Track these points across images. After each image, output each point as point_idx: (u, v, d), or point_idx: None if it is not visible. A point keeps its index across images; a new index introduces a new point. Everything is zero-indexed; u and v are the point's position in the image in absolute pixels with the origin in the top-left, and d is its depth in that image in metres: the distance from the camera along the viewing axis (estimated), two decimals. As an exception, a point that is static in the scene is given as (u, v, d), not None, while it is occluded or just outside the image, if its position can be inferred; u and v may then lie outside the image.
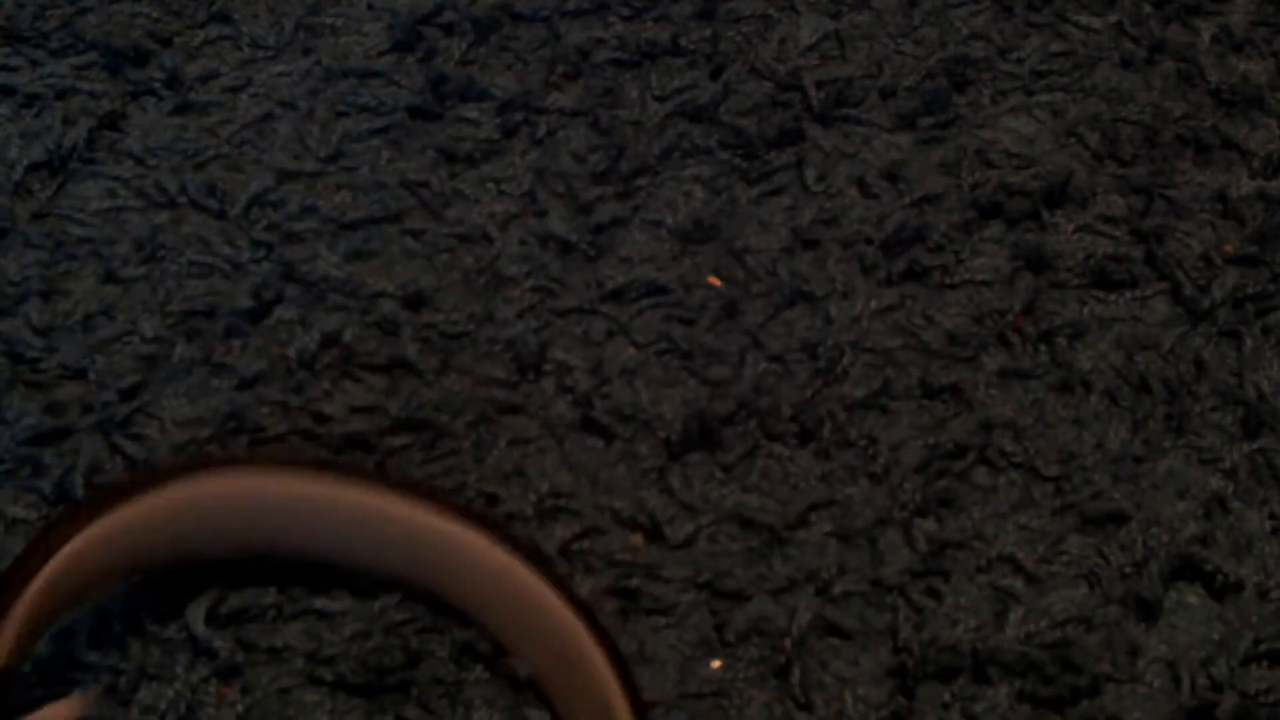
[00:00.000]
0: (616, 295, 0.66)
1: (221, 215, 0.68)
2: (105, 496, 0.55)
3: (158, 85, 0.72)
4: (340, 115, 0.71)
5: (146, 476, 0.57)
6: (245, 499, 0.56)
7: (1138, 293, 0.68)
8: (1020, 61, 0.74)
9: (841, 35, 0.75)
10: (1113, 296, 0.67)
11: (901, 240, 0.68)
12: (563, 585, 0.56)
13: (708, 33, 0.74)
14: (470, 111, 0.71)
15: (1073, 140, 0.72)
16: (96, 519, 0.54)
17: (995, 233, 0.69)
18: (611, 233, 0.68)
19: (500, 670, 0.57)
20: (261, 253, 0.67)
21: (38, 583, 0.51)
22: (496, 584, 0.56)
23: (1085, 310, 0.67)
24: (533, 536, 0.59)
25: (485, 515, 0.58)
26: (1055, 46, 0.75)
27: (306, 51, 0.73)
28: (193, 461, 0.60)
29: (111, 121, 0.71)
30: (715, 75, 0.73)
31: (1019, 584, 0.60)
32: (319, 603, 0.58)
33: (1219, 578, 0.60)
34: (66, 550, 0.52)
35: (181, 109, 0.71)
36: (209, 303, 0.65)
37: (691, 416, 0.63)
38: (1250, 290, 0.67)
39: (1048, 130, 0.72)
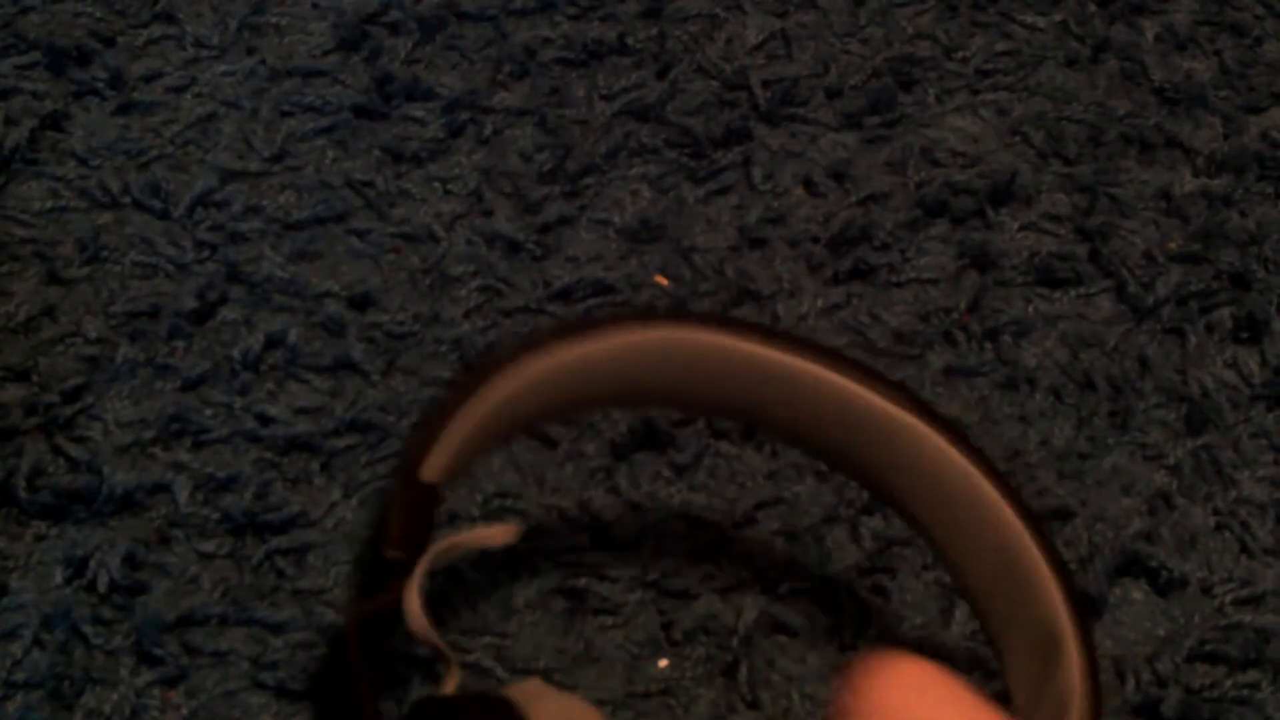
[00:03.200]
0: (563, 294, 0.66)
1: (165, 216, 0.68)
2: (546, 338, 0.50)
3: (101, 85, 0.71)
4: (285, 115, 0.71)
5: (588, 323, 0.51)
6: (680, 353, 0.52)
7: (1082, 290, 0.68)
8: (965, 61, 0.75)
9: (788, 34, 0.75)
10: (1057, 294, 0.68)
11: (848, 239, 0.68)
12: (1016, 496, 0.51)
13: (654, 32, 0.74)
14: (416, 111, 0.71)
15: (1018, 139, 0.72)
16: (536, 356, 0.50)
17: (941, 231, 0.69)
18: (558, 232, 0.68)
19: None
20: (205, 253, 0.66)
21: (472, 412, 0.48)
22: (944, 484, 0.51)
23: (1030, 308, 0.67)
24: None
25: (934, 410, 0.52)
26: (1000, 46, 0.75)
27: (250, 51, 0.73)
28: (633, 313, 0.55)
29: (54, 121, 0.71)
30: (662, 74, 0.73)
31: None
32: (262, 611, 0.58)
33: (1163, 574, 0.61)
34: (500, 384, 0.49)
35: (125, 109, 0.71)
36: (153, 304, 0.65)
37: (639, 417, 0.63)
38: (1194, 288, 0.68)
39: (993, 129, 0.73)
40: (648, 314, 0.55)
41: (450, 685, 0.47)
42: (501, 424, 0.50)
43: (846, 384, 0.51)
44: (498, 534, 0.49)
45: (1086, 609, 0.59)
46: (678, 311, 0.54)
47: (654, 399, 0.54)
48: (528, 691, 0.47)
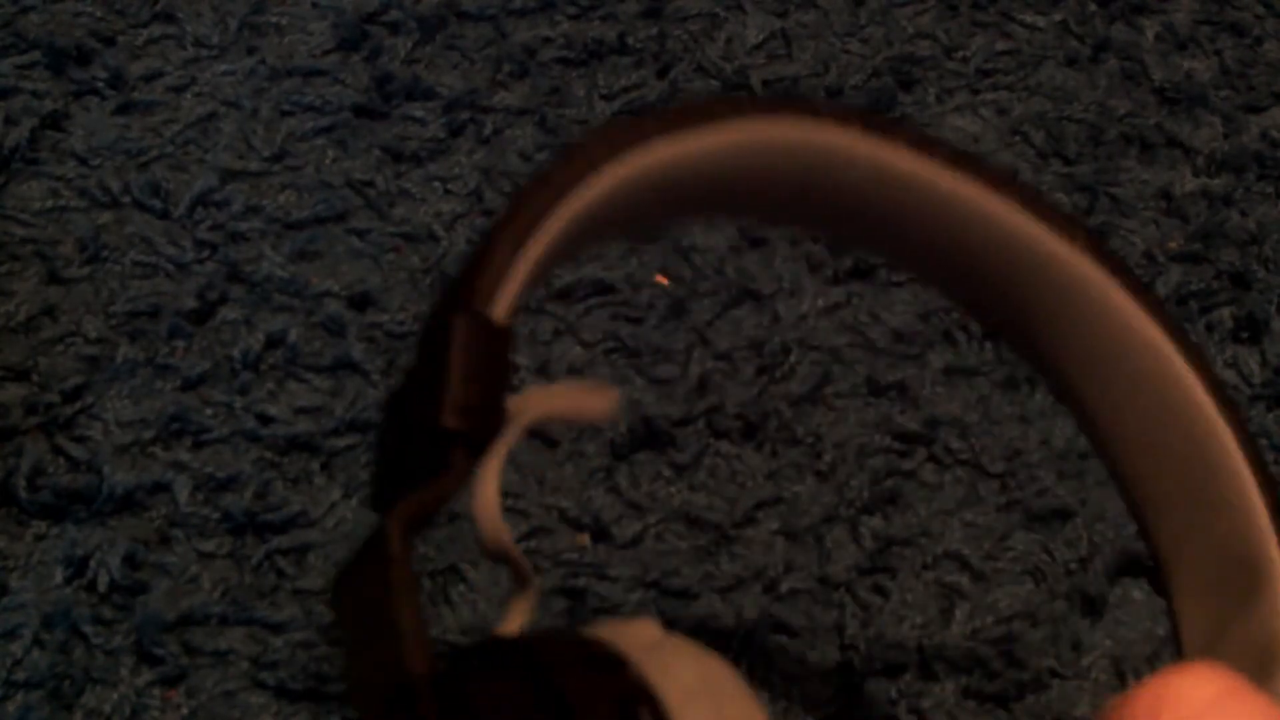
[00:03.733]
0: (564, 294, 0.66)
1: (165, 215, 0.67)
2: (647, 129, 0.38)
3: (101, 84, 0.71)
4: (285, 114, 0.71)
5: (697, 110, 0.40)
6: (810, 155, 0.41)
7: (1082, 290, 0.68)
8: (966, 60, 0.75)
9: (788, 34, 0.75)
10: (1058, 294, 0.68)
11: (848, 238, 0.68)
12: (1218, 385, 0.41)
13: (655, 31, 0.74)
14: (416, 110, 0.71)
15: (1018, 138, 0.72)
16: (634, 154, 0.38)
17: (941, 231, 0.69)
18: (558, 232, 0.68)
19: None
20: (206, 253, 0.66)
21: (549, 229, 0.36)
22: (1124, 355, 0.41)
23: (1030, 307, 0.67)
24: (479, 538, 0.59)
25: (1124, 263, 0.42)
26: (1000, 45, 0.75)
27: (251, 50, 0.73)
28: (754, 102, 0.42)
29: (54, 121, 0.71)
30: (662, 74, 0.73)
31: (965, 580, 0.60)
32: (262, 611, 0.58)
33: (1163, 573, 0.61)
34: (588, 190, 0.37)
35: (125, 108, 0.71)
36: (153, 303, 0.65)
37: (638, 417, 0.63)
38: (1193, 287, 0.68)
39: (993, 128, 0.73)
40: (773, 103, 0.41)
41: (516, 620, 0.35)
42: (578, 239, 0.38)
43: (1016, 216, 0.41)
44: (595, 401, 0.37)
45: (1088, 608, 0.60)
46: (808, 103, 0.41)
47: (764, 208, 0.43)
48: (641, 639, 0.35)
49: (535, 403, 0.35)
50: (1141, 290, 0.41)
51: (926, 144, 0.40)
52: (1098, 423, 0.42)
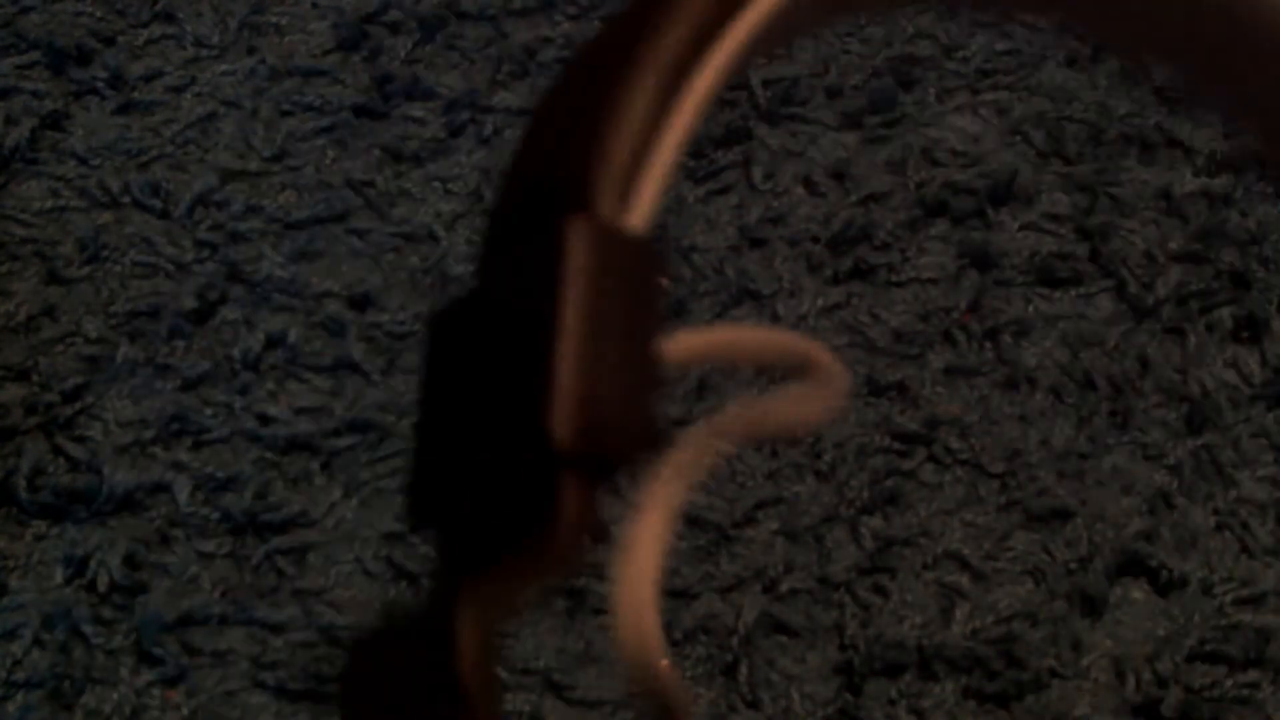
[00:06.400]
0: (563, 294, 0.66)
1: (165, 215, 0.67)
2: None
3: (101, 84, 0.71)
4: (285, 114, 0.71)
5: None
6: None
7: (1082, 290, 0.68)
8: (966, 60, 0.75)
9: (788, 34, 0.75)
10: (1058, 294, 0.68)
11: (848, 238, 0.68)
12: None
13: (654, 31, 0.74)
14: (416, 110, 0.71)
15: (1018, 138, 0.72)
16: None
17: (941, 231, 0.69)
18: (558, 232, 0.68)
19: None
20: (206, 253, 0.66)
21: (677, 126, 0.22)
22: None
23: (1030, 308, 0.67)
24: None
25: None
26: (1001, 45, 0.75)
27: (251, 50, 0.73)
28: None
29: (54, 121, 0.71)
30: (662, 74, 0.73)
31: (965, 580, 0.60)
32: (262, 611, 0.58)
33: (1164, 573, 0.60)
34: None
35: (125, 108, 0.71)
36: (153, 303, 0.65)
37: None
38: (1194, 287, 0.68)
39: (993, 128, 0.73)
40: None
41: None
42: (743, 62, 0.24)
43: None
44: (818, 399, 0.22)
45: (1088, 608, 0.60)
46: None
47: None
48: None
49: (732, 423, 0.21)
50: None
51: None
52: None
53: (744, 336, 0.22)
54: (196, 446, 0.61)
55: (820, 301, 0.66)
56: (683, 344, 0.21)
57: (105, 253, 0.66)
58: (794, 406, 0.22)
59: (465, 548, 0.19)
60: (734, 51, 0.22)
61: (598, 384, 0.19)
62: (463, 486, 0.20)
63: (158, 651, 0.57)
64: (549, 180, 0.20)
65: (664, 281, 0.21)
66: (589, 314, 0.19)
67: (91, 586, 0.58)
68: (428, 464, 0.21)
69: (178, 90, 0.72)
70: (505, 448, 0.19)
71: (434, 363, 0.21)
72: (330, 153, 0.70)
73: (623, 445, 0.19)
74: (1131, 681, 0.58)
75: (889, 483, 0.62)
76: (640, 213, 0.20)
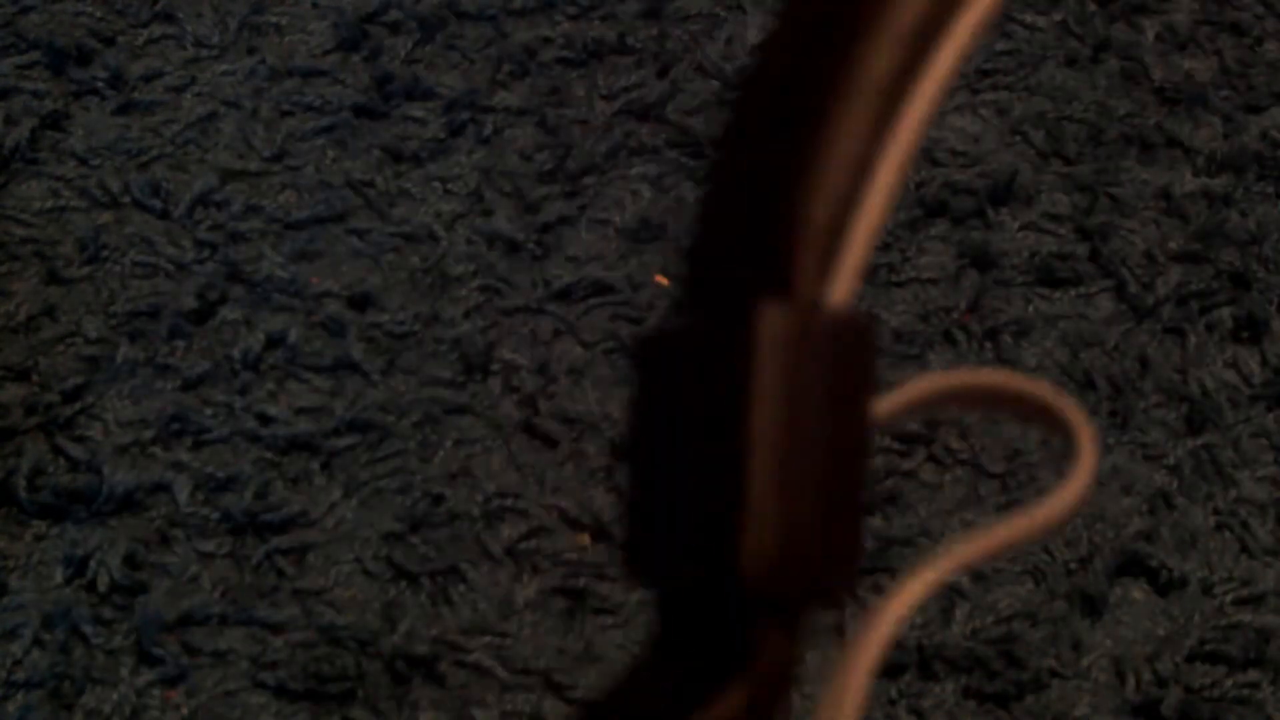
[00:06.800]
0: (563, 294, 0.66)
1: (165, 215, 0.67)
2: None
3: (101, 84, 0.71)
4: (285, 114, 0.71)
5: None
6: None
7: (1082, 290, 0.68)
8: (966, 60, 0.75)
9: (788, 34, 0.75)
10: (1057, 294, 0.68)
11: (848, 238, 0.68)
12: None
13: (655, 31, 0.74)
14: (416, 110, 0.71)
15: (1018, 138, 0.72)
16: None
17: (941, 231, 0.69)
18: (558, 232, 0.68)
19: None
20: (206, 253, 0.66)
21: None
22: None
23: (1030, 307, 0.67)
24: (479, 538, 0.59)
25: None
26: (1001, 45, 0.75)
27: (251, 50, 0.73)
28: None
29: (54, 121, 0.71)
30: (662, 74, 0.73)
31: (965, 581, 0.60)
32: (262, 611, 0.58)
33: (1164, 573, 0.61)
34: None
35: (125, 108, 0.71)
36: (153, 303, 0.65)
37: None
38: (1194, 287, 0.68)
39: (993, 128, 0.73)
40: None
41: None
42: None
43: None
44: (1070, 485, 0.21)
45: (1088, 608, 0.60)
46: None
47: None
48: None
49: (979, 544, 0.19)
50: None
51: None
52: None
53: (963, 382, 0.20)
54: (196, 446, 0.61)
55: (820, 301, 0.66)
56: (894, 400, 0.20)
57: (105, 253, 0.66)
58: (1043, 511, 0.19)
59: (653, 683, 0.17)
60: (950, 68, 0.19)
61: (795, 507, 0.17)
62: (676, 541, 0.18)
63: (158, 651, 0.57)
64: (743, 245, 0.18)
65: (873, 361, 0.18)
66: (786, 421, 0.17)
67: (91, 586, 0.58)
68: (641, 508, 0.19)
69: (178, 90, 0.72)
70: (689, 584, 0.17)
71: (644, 392, 0.19)
72: (330, 153, 0.70)
73: (823, 578, 0.17)
74: (1131, 681, 0.58)
75: (889, 483, 0.62)
76: (844, 285, 0.18)
